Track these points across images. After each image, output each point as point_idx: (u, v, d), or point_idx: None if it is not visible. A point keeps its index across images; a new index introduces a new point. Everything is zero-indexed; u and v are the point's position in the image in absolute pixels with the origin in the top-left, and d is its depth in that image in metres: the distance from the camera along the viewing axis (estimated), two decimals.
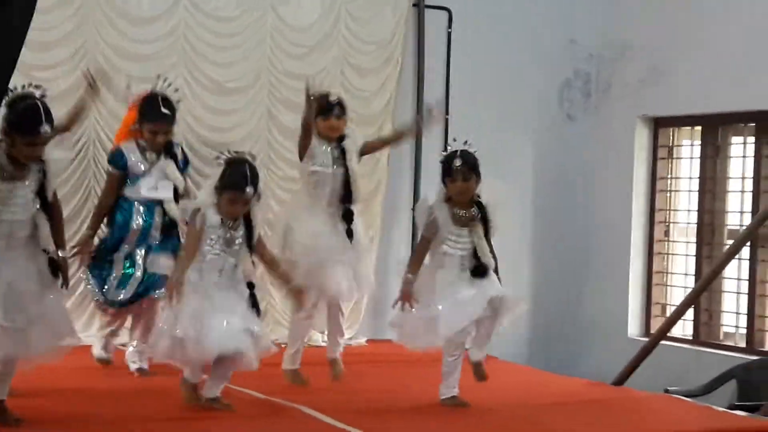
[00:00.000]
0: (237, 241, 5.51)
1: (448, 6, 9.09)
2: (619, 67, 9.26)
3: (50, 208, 5.18)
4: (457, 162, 5.92)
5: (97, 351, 6.80)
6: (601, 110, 9.45)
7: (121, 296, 6.52)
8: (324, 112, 6.54)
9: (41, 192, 5.12)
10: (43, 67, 7.65)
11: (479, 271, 5.92)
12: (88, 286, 6.67)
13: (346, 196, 6.55)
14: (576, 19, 9.44)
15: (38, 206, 5.11)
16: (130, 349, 6.72)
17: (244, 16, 8.43)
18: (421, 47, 9.02)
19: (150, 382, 6.42)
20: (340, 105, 6.63)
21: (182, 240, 6.60)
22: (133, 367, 6.64)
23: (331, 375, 6.65)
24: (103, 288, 6.53)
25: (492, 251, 5.97)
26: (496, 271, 5.98)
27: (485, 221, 5.95)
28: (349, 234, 6.55)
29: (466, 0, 9.10)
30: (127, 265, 6.55)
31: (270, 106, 8.47)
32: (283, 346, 7.62)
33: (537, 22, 9.34)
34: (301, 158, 6.56)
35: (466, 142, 6.04)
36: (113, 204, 6.62)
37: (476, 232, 5.93)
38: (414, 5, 8.96)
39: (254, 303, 5.53)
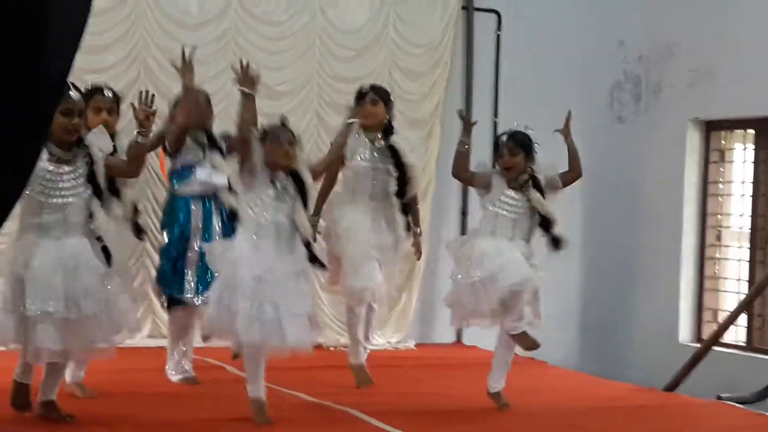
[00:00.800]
0: (288, 198, 5.36)
1: (497, 9, 9.07)
2: (669, 69, 9.17)
3: (102, 195, 5.17)
4: (504, 137, 5.98)
5: (175, 377, 6.51)
6: (651, 113, 9.37)
7: (203, 299, 6.24)
8: (358, 99, 6.39)
9: (92, 178, 5.13)
10: (94, 70, 7.71)
11: (557, 242, 5.89)
12: (163, 294, 6.48)
13: (400, 191, 6.43)
14: (625, 20, 9.37)
15: (90, 192, 5.12)
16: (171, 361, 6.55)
17: (293, 19, 8.46)
18: (470, 50, 9.01)
19: (200, 386, 6.44)
20: (375, 90, 6.47)
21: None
22: (175, 379, 6.51)
23: (356, 381, 6.44)
24: (184, 292, 6.32)
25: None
26: (559, 240, 5.92)
27: (539, 189, 5.91)
28: (408, 227, 6.51)
29: (515, 2, 9.07)
30: (201, 265, 6.31)
31: (319, 109, 8.50)
32: (331, 349, 7.65)
33: (586, 25, 9.29)
34: None
35: (526, 127, 6.03)
36: (172, 203, 6.52)
37: (531, 191, 5.90)
38: (463, 8, 8.94)
39: (314, 259, 5.34)
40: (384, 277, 6.49)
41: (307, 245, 5.38)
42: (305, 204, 5.41)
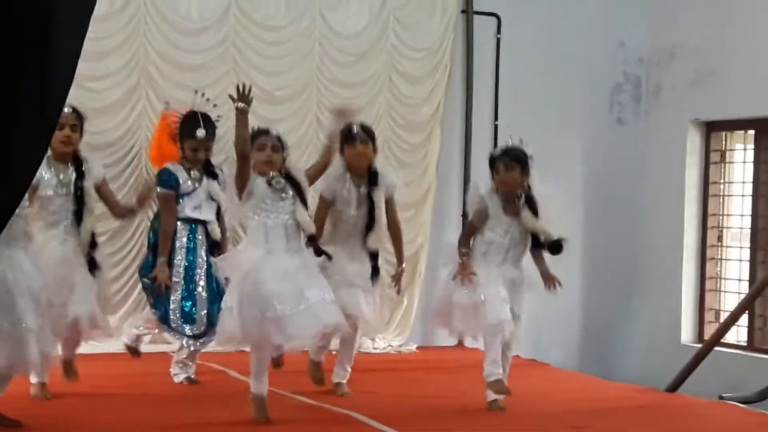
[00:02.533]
0: (289, 199, 5.50)
1: (496, 12, 9.08)
2: (669, 71, 9.19)
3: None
4: (498, 153, 6.02)
5: (127, 339, 6.62)
6: (651, 114, 9.39)
7: (190, 331, 6.37)
8: (348, 139, 6.17)
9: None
10: (95, 77, 7.76)
11: (556, 247, 5.92)
12: (152, 315, 6.48)
13: (365, 237, 6.26)
14: (625, 22, 9.39)
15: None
16: (176, 358, 6.65)
17: (292, 24, 8.48)
18: (469, 53, 9.01)
19: (197, 389, 6.47)
20: (365, 131, 6.28)
21: None
22: (179, 378, 6.60)
23: (336, 392, 6.30)
24: (168, 317, 6.36)
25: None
26: (558, 245, 5.94)
27: (534, 212, 5.95)
28: (375, 271, 6.29)
29: (514, 6, 9.08)
30: (185, 296, 6.39)
31: (318, 114, 8.50)
32: (332, 352, 7.63)
33: (586, 27, 9.30)
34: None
35: (521, 141, 6.07)
36: (170, 225, 6.44)
37: (526, 216, 5.94)
38: (462, 11, 8.96)
39: (319, 251, 5.54)
40: (368, 304, 6.28)
41: (311, 239, 5.54)
42: (304, 202, 5.55)
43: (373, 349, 8.26)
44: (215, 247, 6.51)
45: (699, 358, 7.42)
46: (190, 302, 6.40)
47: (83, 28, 2.63)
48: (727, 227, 8.97)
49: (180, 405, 5.96)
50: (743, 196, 8.76)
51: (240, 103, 5.34)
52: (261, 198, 5.45)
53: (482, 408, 6.07)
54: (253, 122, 8.14)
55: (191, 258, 6.44)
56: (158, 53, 8.10)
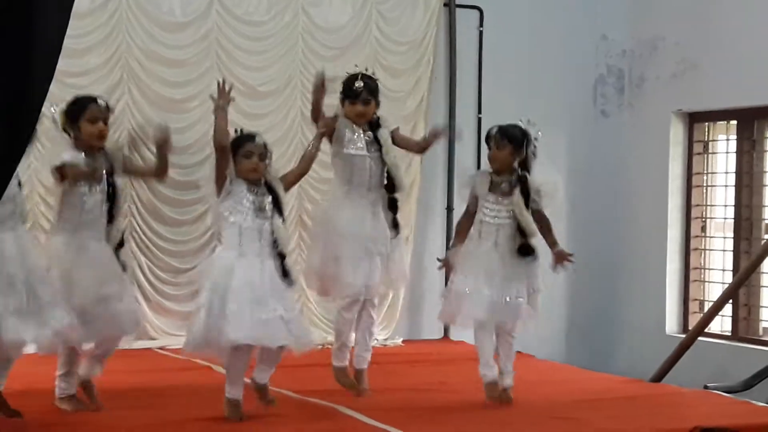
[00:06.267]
0: (267, 207, 5.43)
1: (478, 5, 9.09)
2: (652, 62, 9.21)
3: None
4: (494, 130, 5.95)
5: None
6: (635, 106, 9.41)
7: None
8: (350, 97, 6.14)
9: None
10: (77, 73, 7.73)
11: (524, 250, 5.87)
12: None
13: (389, 185, 6.17)
14: (607, 14, 9.41)
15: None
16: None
17: (275, 19, 8.47)
18: (452, 47, 9.03)
19: (182, 385, 6.44)
20: (368, 89, 6.17)
21: None
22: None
23: (355, 391, 6.20)
24: None
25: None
26: (527, 248, 5.90)
27: (526, 194, 5.87)
28: (395, 224, 6.21)
29: None
30: None
31: (303, 108, 8.49)
32: (318, 347, 7.63)
33: (568, 20, 9.32)
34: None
35: (528, 121, 6.01)
36: None
37: (516, 203, 5.86)
38: (445, 5, 8.97)
39: (285, 273, 5.43)
40: (391, 266, 6.25)
41: (282, 257, 5.45)
42: (280, 213, 5.49)
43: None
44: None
45: (683, 348, 7.45)
46: None
47: (64, 19, 2.64)
48: (710, 218, 9.00)
49: (165, 401, 5.96)
50: (726, 186, 8.79)
51: (221, 101, 5.36)
52: (239, 200, 5.39)
53: (468, 400, 6.09)
54: (237, 118, 8.26)
55: None
56: (141, 49, 8.09)
